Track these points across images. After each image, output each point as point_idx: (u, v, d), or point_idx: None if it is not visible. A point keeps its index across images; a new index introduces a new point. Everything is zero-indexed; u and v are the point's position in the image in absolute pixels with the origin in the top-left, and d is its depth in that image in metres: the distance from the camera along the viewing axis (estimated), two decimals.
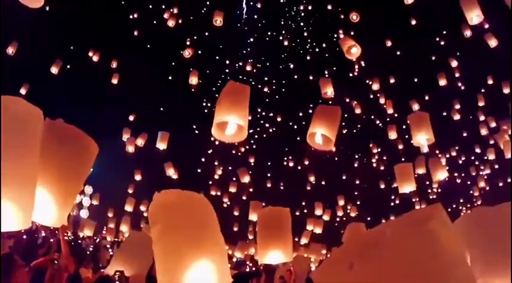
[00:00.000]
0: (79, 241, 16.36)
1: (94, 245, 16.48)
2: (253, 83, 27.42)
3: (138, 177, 20.85)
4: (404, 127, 20.99)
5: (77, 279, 4.99)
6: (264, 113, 26.75)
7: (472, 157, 23.81)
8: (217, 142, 26.07)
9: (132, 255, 6.38)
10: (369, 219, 26.89)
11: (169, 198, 3.09)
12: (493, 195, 23.85)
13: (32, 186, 2.70)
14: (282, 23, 25.68)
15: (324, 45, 23.90)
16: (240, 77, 26.62)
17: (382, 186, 25.58)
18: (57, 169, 3.36)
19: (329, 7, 20.77)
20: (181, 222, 2.89)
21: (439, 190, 26.56)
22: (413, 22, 17.90)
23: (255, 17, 24.07)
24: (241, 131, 5.08)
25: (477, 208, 2.95)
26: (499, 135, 17.36)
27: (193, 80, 17.97)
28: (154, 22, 20.22)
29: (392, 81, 20.31)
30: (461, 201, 28.77)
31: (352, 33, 17.39)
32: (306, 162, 25.76)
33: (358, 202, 27.01)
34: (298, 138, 26.42)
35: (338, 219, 24.69)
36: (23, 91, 16.29)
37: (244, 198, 21.69)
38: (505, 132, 17.17)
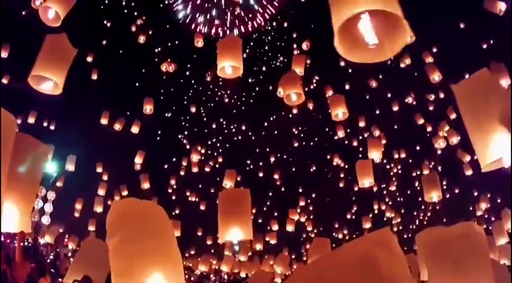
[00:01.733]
0: (40, 248, 15.96)
1: (54, 253, 16.10)
2: (222, 93, 27.81)
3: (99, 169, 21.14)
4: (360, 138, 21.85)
5: None
6: (225, 122, 27.41)
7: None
8: (188, 146, 26.29)
9: (91, 263, 6.33)
10: (334, 234, 27.51)
11: (125, 208, 3.00)
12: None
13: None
14: (254, 36, 26.11)
15: (285, 59, 24.54)
16: (211, 86, 26.89)
17: (341, 185, 26.06)
18: (11, 176, 3.38)
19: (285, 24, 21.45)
20: (135, 234, 2.80)
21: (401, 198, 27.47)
22: None
23: (226, 27, 24.34)
24: (237, 70, 6.82)
25: (437, 228, 3.09)
26: (440, 127, 17.61)
27: (164, 67, 18.56)
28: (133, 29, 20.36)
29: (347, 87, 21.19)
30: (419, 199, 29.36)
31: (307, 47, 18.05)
32: (271, 162, 26.30)
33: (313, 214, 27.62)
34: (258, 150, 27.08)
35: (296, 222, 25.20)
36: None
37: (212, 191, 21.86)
38: (444, 125, 17.34)
